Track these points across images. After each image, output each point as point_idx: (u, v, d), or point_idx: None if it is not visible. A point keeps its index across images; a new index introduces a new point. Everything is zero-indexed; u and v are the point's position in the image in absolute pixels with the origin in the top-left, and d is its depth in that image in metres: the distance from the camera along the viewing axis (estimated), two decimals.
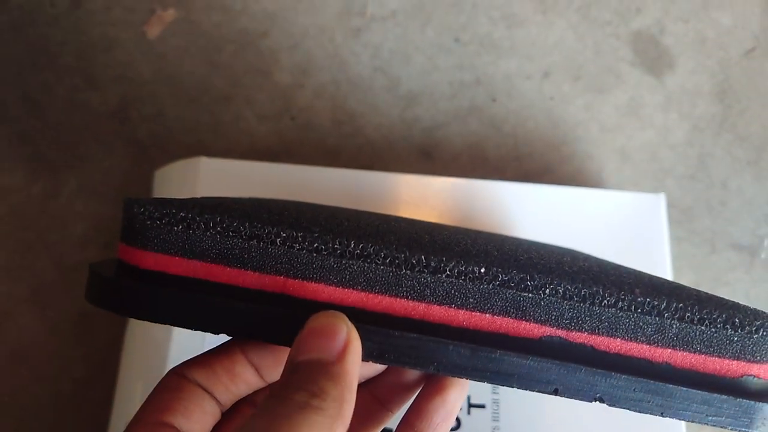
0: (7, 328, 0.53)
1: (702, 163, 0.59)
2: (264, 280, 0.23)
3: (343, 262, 0.23)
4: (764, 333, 0.26)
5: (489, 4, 0.62)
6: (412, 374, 0.29)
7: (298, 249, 0.23)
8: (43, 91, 0.58)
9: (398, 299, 0.23)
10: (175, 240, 0.23)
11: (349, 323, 0.21)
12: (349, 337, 0.20)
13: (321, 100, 0.59)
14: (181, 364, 0.25)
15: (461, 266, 0.24)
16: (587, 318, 0.25)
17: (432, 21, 0.61)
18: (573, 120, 0.59)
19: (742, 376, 0.26)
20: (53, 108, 0.58)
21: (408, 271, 0.23)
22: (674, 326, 0.26)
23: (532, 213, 0.50)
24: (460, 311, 0.24)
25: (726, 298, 0.31)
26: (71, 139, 0.57)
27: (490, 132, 0.59)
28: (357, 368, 0.20)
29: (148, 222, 0.23)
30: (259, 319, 0.23)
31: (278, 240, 0.23)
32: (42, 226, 0.55)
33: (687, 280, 0.55)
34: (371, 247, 0.23)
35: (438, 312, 0.24)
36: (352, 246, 0.23)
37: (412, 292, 0.23)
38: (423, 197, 0.49)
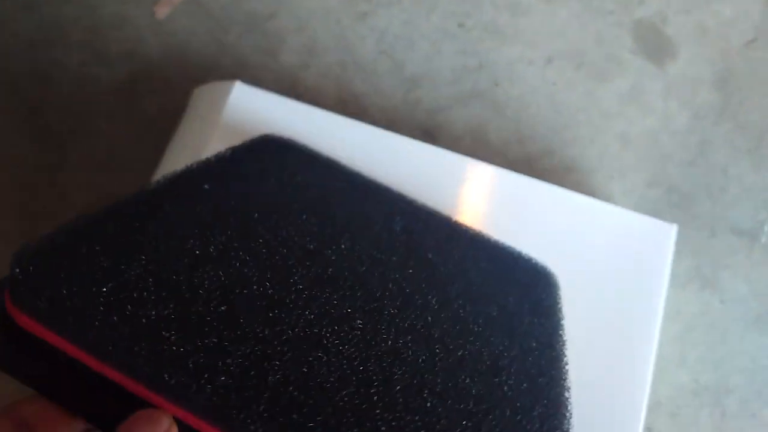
0: None
1: (702, 150, 0.59)
2: (113, 374, 0.24)
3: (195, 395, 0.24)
4: None
5: None
6: None
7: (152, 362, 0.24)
8: (54, 65, 0.59)
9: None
10: (44, 312, 0.24)
11: (173, 421, 0.24)
12: (172, 425, 0.23)
13: (326, 80, 0.60)
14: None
15: None
16: None
17: (437, 7, 0.62)
18: (575, 106, 0.60)
19: None
20: (63, 82, 0.59)
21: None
22: None
23: (538, 213, 0.50)
24: None
25: None
26: (79, 113, 0.58)
27: (492, 116, 0.59)
28: None
29: (23, 287, 0.24)
30: (96, 402, 0.24)
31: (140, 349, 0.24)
32: (48, 197, 0.56)
33: (687, 265, 0.56)
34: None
35: None
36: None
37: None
38: (428, 171, 0.50)
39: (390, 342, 0.30)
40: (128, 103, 0.59)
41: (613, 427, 0.47)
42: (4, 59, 0.59)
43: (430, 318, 0.33)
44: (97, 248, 0.26)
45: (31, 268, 0.24)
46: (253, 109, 0.50)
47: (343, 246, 0.34)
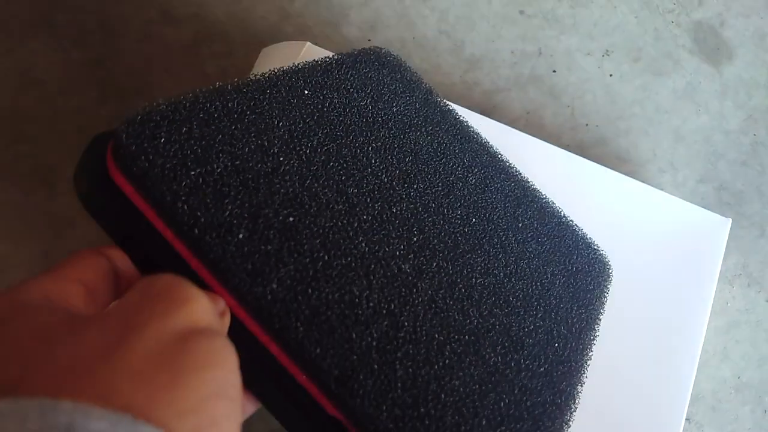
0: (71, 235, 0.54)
1: (755, 151, 0.59)
2: (183, 251, 0.25)
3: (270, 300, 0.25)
4: None
5: None
6: None
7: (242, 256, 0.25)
8: (121, 21, 0.60)
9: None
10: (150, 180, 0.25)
11: (227, 308, 0.25)
12: (227, 310, 0.25)
13: None
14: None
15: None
16: None
17: None
18: (631, 98, 0.60)
19: None
20: (128, 38, 0.60)
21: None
22: None
23: (595, 195, 0.50)
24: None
25: None
26: (143, 68, 0.59)
27: (548, 101, 0.60)
28: (226, 328, 0.24)
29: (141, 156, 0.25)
30: (160, 265, 0.25)
31: (236, 241, 0.25)
32: None
33: (734, 262, 0.56)
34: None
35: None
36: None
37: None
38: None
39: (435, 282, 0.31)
40: (190, 63, 0.60)
41: (655, 415, 0.47)
42: (74, 12, 0.60)
43: (472, 278, 0.33)
44: (195, 131, 0.27)
45: (136, 131, 0.25)
46: None
47: (415, 186, 0.34)
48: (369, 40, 0.61)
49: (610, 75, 0.61)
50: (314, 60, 0.37)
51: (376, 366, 0.26)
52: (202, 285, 0.25)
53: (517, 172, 0.43)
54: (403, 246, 0.31)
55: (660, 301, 0.49)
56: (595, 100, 0.60)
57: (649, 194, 0.50)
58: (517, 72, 0.60)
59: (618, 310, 0.47)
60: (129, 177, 0.25)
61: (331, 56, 0.38)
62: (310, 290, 0.26)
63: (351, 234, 0.29)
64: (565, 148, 0.57)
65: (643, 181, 0.57)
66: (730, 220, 0.49)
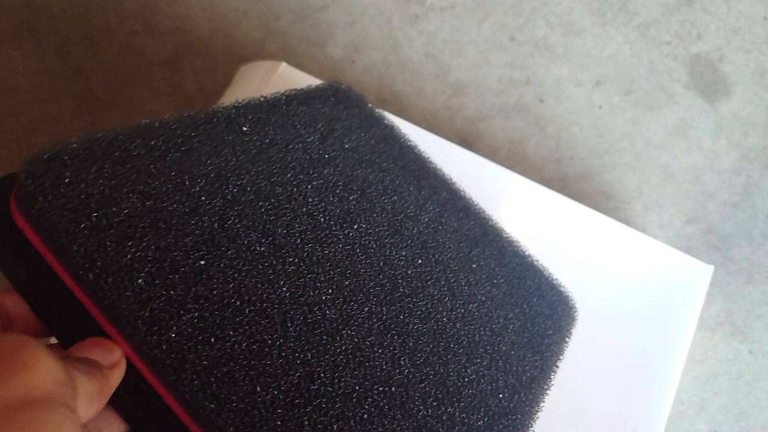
0: None
1: (747, 193, 0.57)
2: (82, 297, 0.24)
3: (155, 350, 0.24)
4: None
5: (549, 10, 0.62)
6: None
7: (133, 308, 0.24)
8: (104, 33, 0.60)
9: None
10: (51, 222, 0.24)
11: (123, 356, 0.24)
12: (121, 360, 0.24)
13: (369, 77, 0.59)
14: None
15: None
16: None
17: (489, 18, 0.61)
18: (619, 131, 0.58)
19: None
20: (110, 50, 0.59)
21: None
22: None
23: (573, 234, 0.48)
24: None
25: None
26: (122, 81, 0.58)
27: (533, 131, 0.58)
28: (117, 383, 0.23)
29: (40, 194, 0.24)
30: (58, 310, 0.24)
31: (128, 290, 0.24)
32: None
33: (719, 308, 0.53)
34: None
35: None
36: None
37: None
38: (463, 177, 0.49)
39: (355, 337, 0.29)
40: (170, 78, 0.59)
41: None
42: (59, 22, 0.60)
43: (409, 323, 0.31)
44: (107, 171, 0.26)
45: (40, 170, 0.24)
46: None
47: (355, 227, 0.33)
48: (353, 61, 0.60)
49: (600, 107, 0.59)
50: (262, 96, 0.35)
51: (279, 422, 0.24)
52: (101, 332, 0.24)
53: (479, 210, 0.41)
54: (332, 290, 0.29)
55: (634, 348, 0.47)
56: (582, 133, 0.58)
57: (628, 236, 0.48)
58: (503, 100, 0.59)
59: (590, 355, 0.45)
60: (27, 218, 0.24)
61: (282, 92, 0.37)
62: (213, 339, 0.24)
63: (272, 278, 0.27)
64: (547, 181, 0.55)
65: (627, 220, 0.55)
66: (712, 267, 0.47)
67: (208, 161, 0.29)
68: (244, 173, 0.30)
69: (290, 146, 0.33)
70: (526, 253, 0.42)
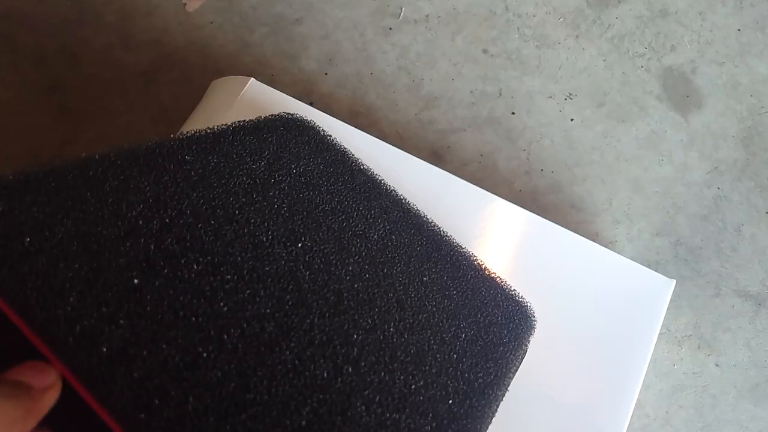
0: None
1: (717, 206, 0.57)
2: (14, 318, 0.25)
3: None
4: None
5: (523, 22, 0.62)
6: None
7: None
8: (82, 44, 0.61)
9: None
10: None
11: (59, 378, 0.24)
12: (57, 381, 0.24)
13: (342, 89, 0.60)
14: None
15: None
16: None
17: (463, 30, 0.62)
18: (590, 144, 0.58)
19: None
20: (87, 62, 0.60)
21: None
22: None
23: (537, 249, 0.48)
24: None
25: None
26: (98, 93, 0.59)
27: (504, 143, 0.58)
28: (50, 404, 0.24)
29: None
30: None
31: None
32: None
33: (686, 321, 0.53)
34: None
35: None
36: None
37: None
38: (432, 193, 0.49)
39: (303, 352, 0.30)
40: (146, 90, 0.60)
41: None
42: (36, 33, 0.60)
43: (353, 334, 0.32)
44: (41, 199, 0.26)
45: None
46: (263, 108, 0.50)
47: (299, 245, 0.33)
48: (326, 74, 0.60)
49: (571, 119, 0.59)
50: (207, 128, 0.36)
51: (213, 430, 0.25)
52: (36, 353, 0.25)
53: (433, 227, 0.42)
54: (272, 304, 0.30)
55: (596, 361, 0.47)
56: (553, 145, 0.58)
57: (591, 250, 0.48)
58: (474, 112, 0.59)
59: (552, 367, 0.46)
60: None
61: (230, 123, 0.38)
62: (145, 353, 0.25)
63: (208, 294, 0.28)
64: (517, 194, 0.55)
65: (596, 233, 0.55)
66: (674, 281, 0.47)
67: (147, 188, 0.30)
68: (184, 198, 0.31)
69: (234, 172, 0.34)
70: (483, 266, 0.43)
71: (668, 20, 0.63)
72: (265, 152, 0.37)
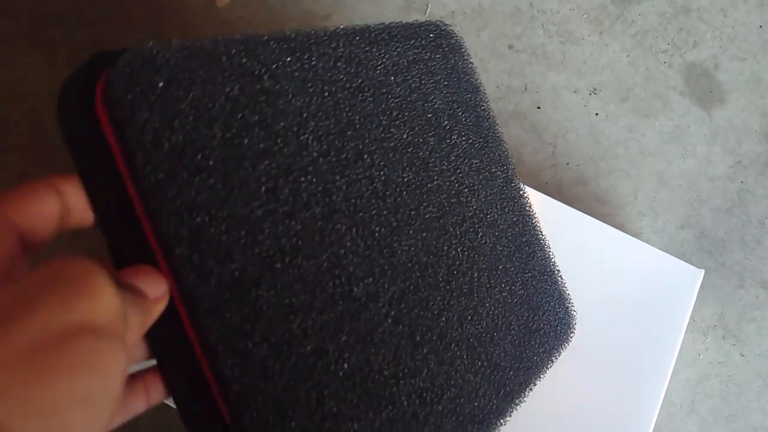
0: None
1: (741, 199, 0.58)
2: (140, 210, 0.24)
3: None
4: None
5: (547, 19, 0.63)
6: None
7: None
8: (114, 39, 0.62)
9: None
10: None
11: (167, 290, 0.24)
12: (166, 294, 0.24)
13: None
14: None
15: None
16: None
17: (488, 26, 0.63)
18: (615, 138, 0.59)
19: None
20: None
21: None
22: None
23: (568, 239, 0.49)
24: None
25: None
26: None
27: (530, 137, 0.59)
28: (156, 316, 0.23)
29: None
30: (113, 216, 0.24)
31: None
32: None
33: (711, 312, 0.54)
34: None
35: None
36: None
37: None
38: None
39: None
40: None
41: None
42: (71, 28, 0.61)
43: (425, 319, 0.33)
44: (197, 90, 0.25)
45: (132, 73, 0.23)
46: None
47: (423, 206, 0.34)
48: None
49: (596, 114, 0.60)
50: (359, 26, 0.34)
51: (278, 392, 0.25)
52: (150, 256, 0.24)
53: (524, 204, 0.42)
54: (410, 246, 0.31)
55: (625, 349, 0.48)
56: (578, 139, 0.59)
57: (621, 240, 0.49)
58: (500, 107, 0.60)
59: (582, 356, 0.47)
60: (110, 120, 0.23)
61: (382, 24, 0.35)
62: (263, 292, 0.25)
63: (331, 239, 0.28)
64: (543, 187, 0.56)
65: (621, 225, 0.56)
66: (703, 271, 0.48)
67: (293, 99, 0.28)
68: (326, 119, 0.30)
69: (377, 92, 0.33)
70: (552, 261, 0.43)
71: (690, 17, 0.64)
72: (410, 72, 0.36)
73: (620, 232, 0.49)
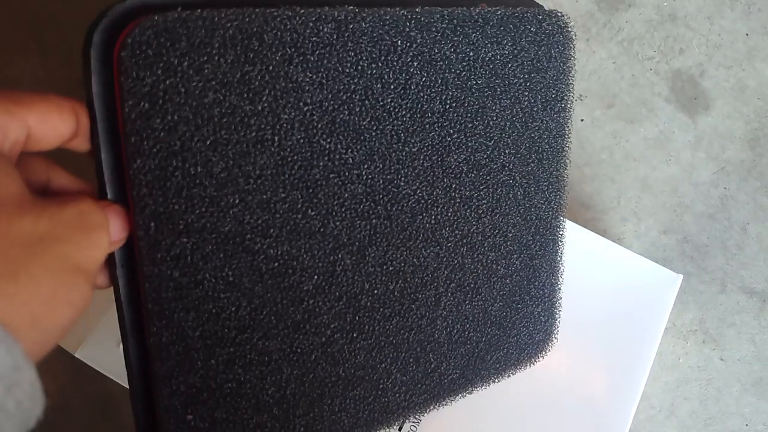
0: None
1: (723, 205, 0.58)
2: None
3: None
4: None
5: None
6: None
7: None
8: None
9: None
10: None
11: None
12: (123, 241, 0.26)
13: None
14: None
15: None
16: None
17: None
18: (600, 144, 0.60)
19: None
20: None
21: None
22: None
23: None
24: None
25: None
26: None
27: None
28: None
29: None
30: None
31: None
32: None
33: (691, 317, 0.55)
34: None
35: None
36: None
37: None
38: None
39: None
40: None
41: None
42: (66, 32, 0.63)
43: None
44: (209, 64, 0.25)
45: (153, 34, 0.24)
46: None
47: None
48: None
49: (581, 120, 0.61)
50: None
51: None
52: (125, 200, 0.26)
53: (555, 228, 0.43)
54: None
55: (603, 352, 0.48)
56: None
57: (600, 244, 0.50)
58: None
59: (560, 357, 0.47)
60: (120, 74, 0.24)
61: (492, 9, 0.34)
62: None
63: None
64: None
65: (604, 230, 0.56)
66: (681, 276, 0.48)
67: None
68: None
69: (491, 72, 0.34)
70: (560, 278, 0.43)
71: (677, 24, 0.65)
72: (515, 62, 0.35)
73: (599, 236, 0.50)
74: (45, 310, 0.21)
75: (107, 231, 0.24)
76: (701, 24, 0.65)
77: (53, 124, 0.24)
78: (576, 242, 0.50)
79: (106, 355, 0.45)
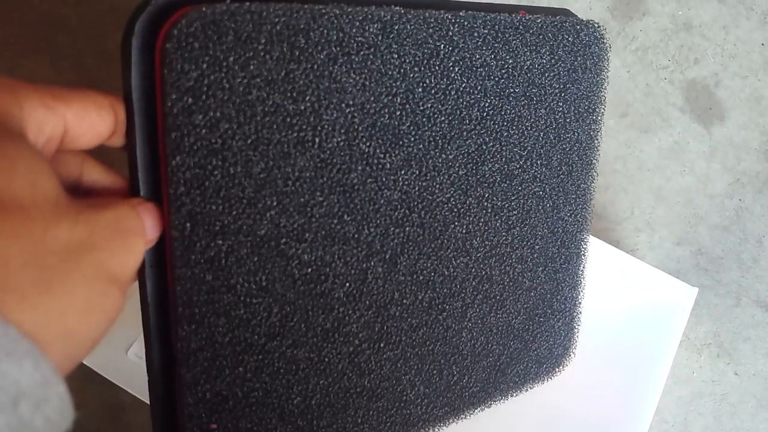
0: None
1: (739, 217, 0.58)
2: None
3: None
4: None
5: None
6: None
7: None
8: (118, 46, 0.62)
9: None
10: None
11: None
12: (155, 240, 0.25)
13: None
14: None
15: None
16: None
17: None
18: (613, 153, 0.59)
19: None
20: None
21: None
22: None
23: None
24: None
25: None
26: None
27: None
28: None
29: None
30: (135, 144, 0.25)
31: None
32: None
33: (705, 330, 0.54)
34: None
35: None
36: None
37: None
38: None
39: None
40: None
41: None
42: (75, 35, 0.62)
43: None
44: (268, 60, 0.24)
45: (204, 29, 0.23)
46: None
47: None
48: None
49: None
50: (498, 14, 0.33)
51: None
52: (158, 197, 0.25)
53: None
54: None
55: (616, 366, 0.48)
56: None
57: (615, 256, 0.49)
58: None
59: (574, 370, 0.47)
60: (164, 67, 0.23)
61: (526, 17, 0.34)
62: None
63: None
64: None
65: (617, 241, 0.56)
66: (697, 289, 0.48)
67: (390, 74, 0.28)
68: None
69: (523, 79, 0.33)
70: (581, 292, 0.43)
71: (692, 33, 0.64)
72: (549, 73, 0.34)
73: (614, 248, 0.49)
74: (78, 323, 0.20)
75: (144, 237, 0.23)
76: (716, 33, 0.64)
77: (91, 121, 0.23)
78: (589, 253, 0.49)
79: (115, 363, 0.45)
